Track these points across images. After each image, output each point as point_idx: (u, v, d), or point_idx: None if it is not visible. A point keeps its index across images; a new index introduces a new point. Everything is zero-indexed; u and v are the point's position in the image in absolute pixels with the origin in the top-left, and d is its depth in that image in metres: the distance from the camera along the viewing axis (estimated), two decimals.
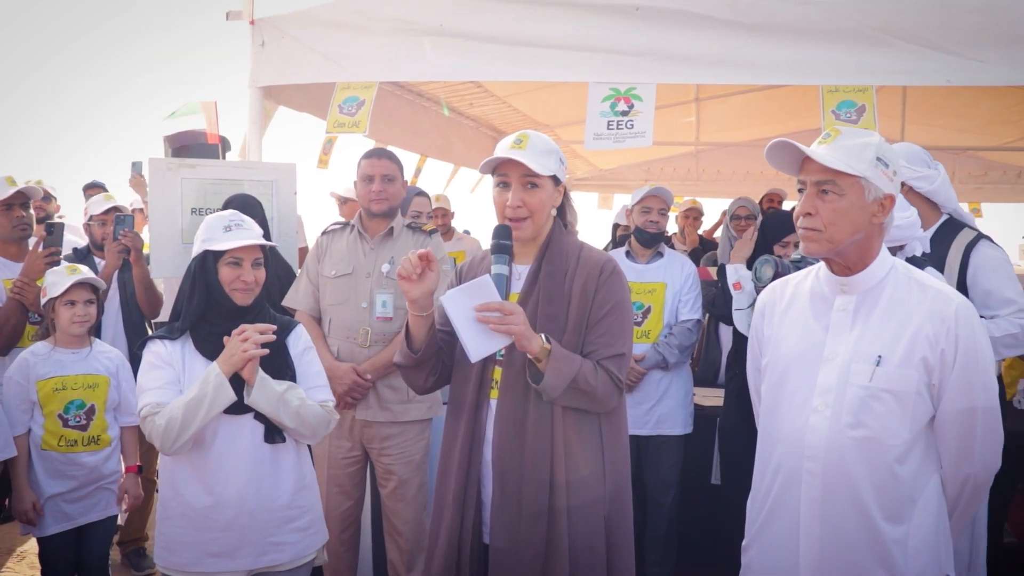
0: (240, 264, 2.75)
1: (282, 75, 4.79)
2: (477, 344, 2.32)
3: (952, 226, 3.45)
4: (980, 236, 3.39)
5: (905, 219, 3.12)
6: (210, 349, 2.71)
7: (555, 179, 2.54)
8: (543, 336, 2.36)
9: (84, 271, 3.59)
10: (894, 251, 3.15)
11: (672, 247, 5.01)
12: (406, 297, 2.46)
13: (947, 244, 3.38)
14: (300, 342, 2.91)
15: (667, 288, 4.41)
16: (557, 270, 2.52)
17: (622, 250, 4.61)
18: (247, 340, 2.62)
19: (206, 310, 2.75)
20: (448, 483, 2.53)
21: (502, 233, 2.47)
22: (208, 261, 2.75)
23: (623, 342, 2.51)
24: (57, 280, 3.52)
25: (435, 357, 2.56)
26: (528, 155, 2.44)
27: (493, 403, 2.50)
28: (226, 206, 3.95)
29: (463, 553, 2.48)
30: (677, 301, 4.42)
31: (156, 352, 2.75)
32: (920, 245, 3.30)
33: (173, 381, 2.71)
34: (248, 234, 2.77)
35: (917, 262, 3.28)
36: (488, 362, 2.51)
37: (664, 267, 4.48)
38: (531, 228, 2.51)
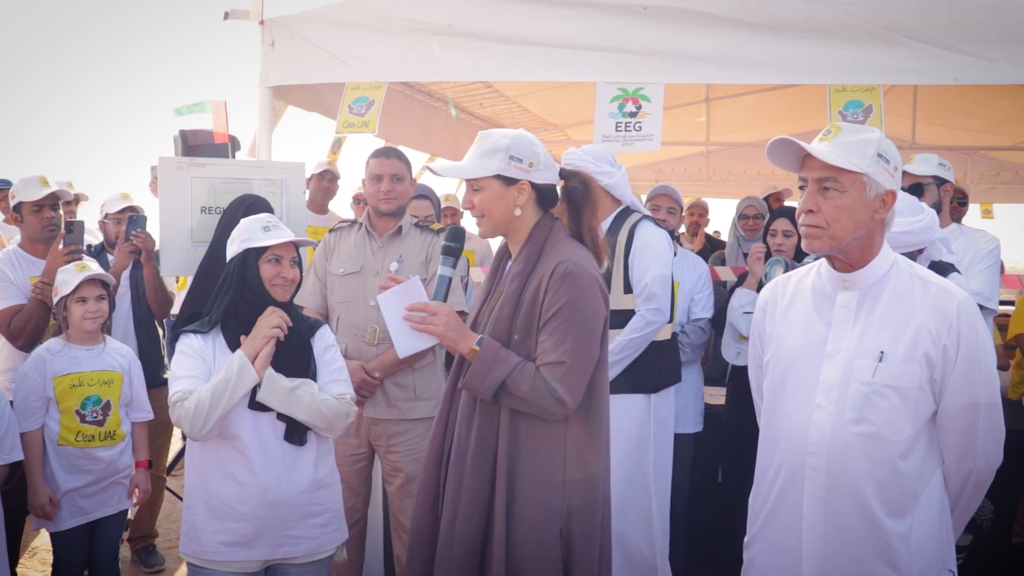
0: (280, 261, 2.86)
1: (291, 75, 4.82)
2: (405, 341, 2.48)
3: (625, 212, 3.97)
4: (644, 217, 3.94)
5: (918, 223, 3.08)
6: (239, 343, 2.80)
7: (503, 179, 2.51)
8: (480, 338, 2.43)
9: (94, 267, 3.63)
10: (915, 256, 3.13)
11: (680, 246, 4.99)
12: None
13: (619, 226, 3.90)
14: (323, 340, 3.01)
15: (679, 287, 4.40)
16: (523, 271, 2.52)
17: None
18: (273, 316, 2.78)
19: (240, 306, 2.84)
20: (424, 473, 2.63)
21: (452, 236, 2.56)
22: (249, 259, 2.84)
23: (564, 350, 2.40)
24: (67, 278, 3.57)
25: None
26: (469, 157, 2.53)
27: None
28: (236, 206, 3.99)
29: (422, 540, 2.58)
30: (689, 300, 4.42)
31: (189, 344, 2.85)
32: (943, 247, 3.26)
33: (204, 371, 2.80)
34: (286, 233, 2.88)
35: (942, 267, 3.24)
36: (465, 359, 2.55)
37: (676, 266, 4.45)
38: (487, 226, 2.57)
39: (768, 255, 4.26)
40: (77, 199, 5.83)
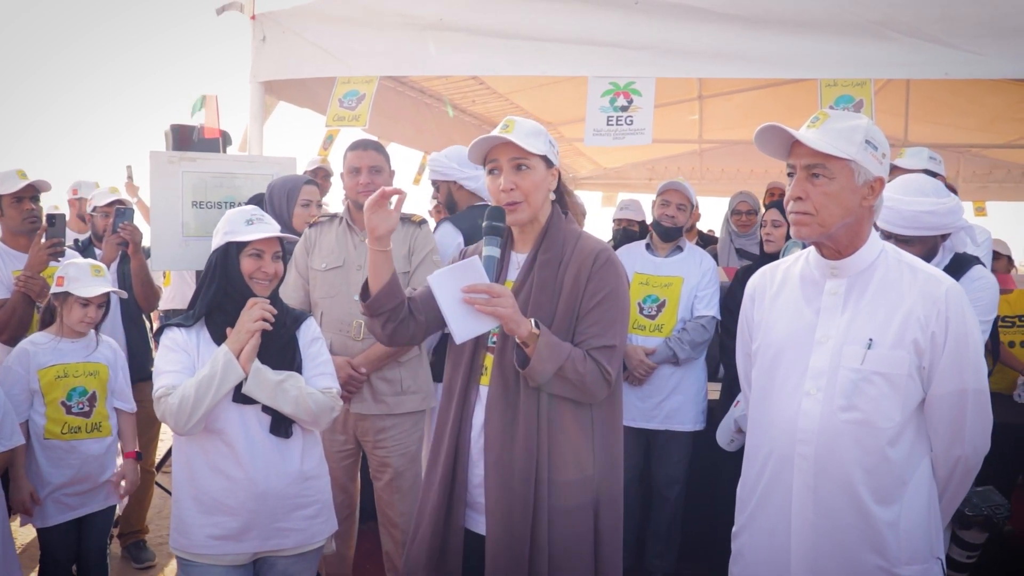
0: (261, 256, 2.83)
1: (283, 70, 4.81)
2: (463, 325, 2.31)
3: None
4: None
5: (942, 204, 2.99)
6: (223, 337, 2.78)
7: (547, 161, 2.51)
8: (533, 321, 2.35)
9: (106, 276, 3.62)
10: (938, 244, 3.07)
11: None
12: (371, 234, 2.46)
13: None
14: (309, 333, 2.99)
15: (684, 283, 4.39)
16: (552, 258, 2.50)
17: (642, 243, 4.60)
18: (255, 309, 2.72)
19: (223, 300, 2.82)
20: (436, 468, 2.53)
21: (495, 215, 2.45)
22: (231, 252, 2.82)
23: (613, 333, 2.46)
24: (80, 278, 3.54)
25: (394, 307, 2.53)
26: (515, 136, 2.43)
27: (483, 389, 2.50)
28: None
29: (449, 538, 2.49)
30: (693, 297, 4.39)
31: (173, 338, 2.83)
32: (968, 237, 3.17)
33: (189, 366, 2.78)
34: (269, 228, 2.84)
35: (966, 260, 3.13)
36: (479, 348, 2.51)
37: (682, 261, 4.46)
38: (527, 211, 2.48)
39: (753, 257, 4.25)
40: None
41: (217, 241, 2.86)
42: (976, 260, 3.16)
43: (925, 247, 3.02)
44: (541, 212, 2.54)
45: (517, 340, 2.36)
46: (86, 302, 3.54)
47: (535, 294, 2.47)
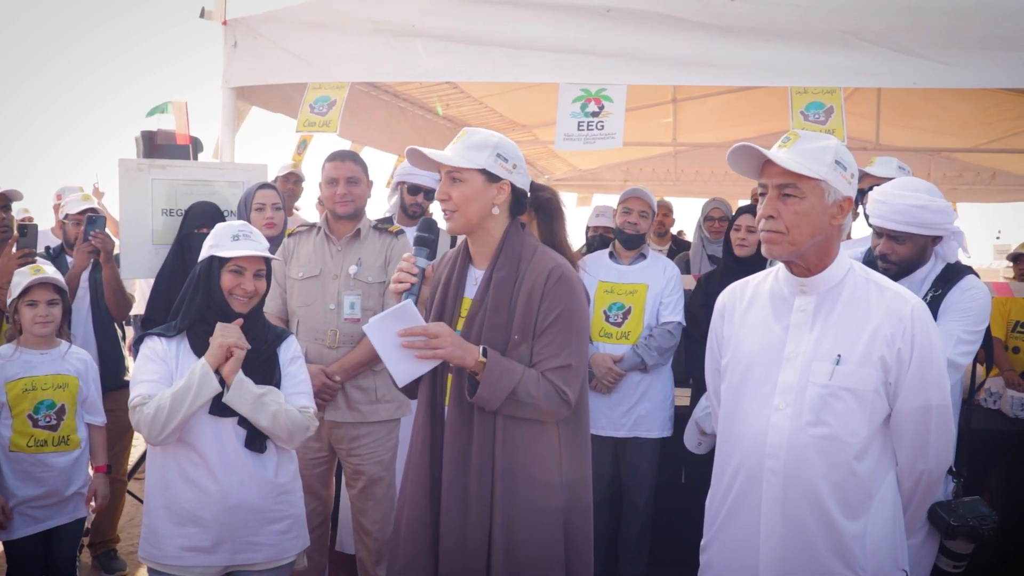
0: (242, 273, 2.83)
1: (255, 76, 4.77)
2: (403, 369, 2.38)
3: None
4: None
5: (934, 202, 2.99)
6: (204, 349, 2.78)
7: (488, 175, 2.50)
8: (481, 349, 2.37)
9: (46, 271, 3.56)
10: (928, 247, 3.06)
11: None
12: None
13: None
14: (289, 351, 3.00)
15: (648, 290, 4.41)
16: (507, 277, 2.49)
17: (606, 251, 4.62)
18: (230, 337, 2.73)
19: (205, 312, 2.82)
20: (408, 485, 2.55)
21: (426, 227, 2.49)
22: (213, 266, 2.83)
23: (569, 353, 2.45)
24: (19, 280, 3.51)
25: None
26: (453, 148, 2.45)
27: (448, 410, 2.52)
28: (187, 213, 3.99)
29: (420, 550, 2.50)
30: (658, 303, 4.41)
31: (153, 347, 2.84)
32: (959, 248, 3.16)
33: (166, 376, 2.79)
34: (253, 245, 2.84)
35: (958, 270, 3.12)
36: (442, 368, 2.52)
37: (646, 269, 4.48)
38: (459, 220, 2.49)
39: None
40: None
41: (203, 253, 2.87)
42: (968, 270, 3.17)
43: (916, 247, 3.02)
44: (493, 226, 2.54)
45: (467, 369, 2.38)
46: (32, 301, 3.49)
47: (489, 315, 2.47)
